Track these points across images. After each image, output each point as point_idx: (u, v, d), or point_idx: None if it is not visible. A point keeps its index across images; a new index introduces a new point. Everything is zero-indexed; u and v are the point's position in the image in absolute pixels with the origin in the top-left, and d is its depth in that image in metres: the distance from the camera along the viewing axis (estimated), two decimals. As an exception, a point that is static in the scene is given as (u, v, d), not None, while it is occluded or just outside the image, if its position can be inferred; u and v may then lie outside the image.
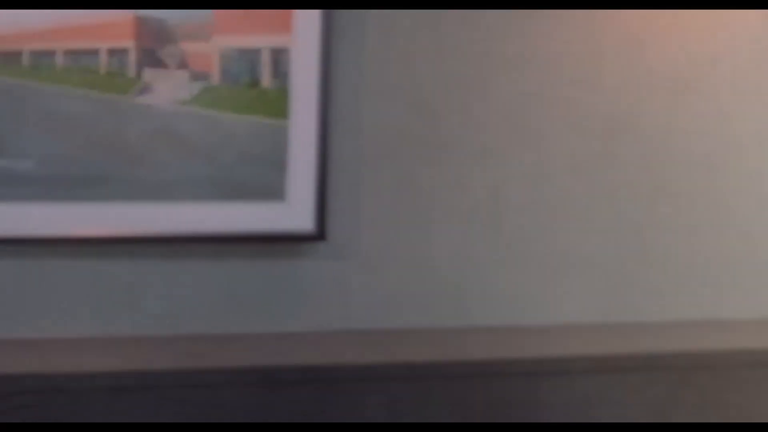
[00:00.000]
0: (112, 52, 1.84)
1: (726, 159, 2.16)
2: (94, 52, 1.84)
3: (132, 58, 1.85)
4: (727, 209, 2.18)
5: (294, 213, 1.94)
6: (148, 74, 1.86)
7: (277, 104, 1.92)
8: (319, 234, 1.95)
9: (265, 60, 1.90)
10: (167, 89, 1.87)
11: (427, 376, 1.89)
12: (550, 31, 2.04)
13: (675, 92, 2.12)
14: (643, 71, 2.10)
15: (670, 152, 2.14)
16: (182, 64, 1.87)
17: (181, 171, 1.89)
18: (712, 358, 2.01)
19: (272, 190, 1.93)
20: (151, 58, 1.86)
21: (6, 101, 1.81)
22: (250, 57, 1.89)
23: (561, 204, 2.10)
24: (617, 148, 2.11)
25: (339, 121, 1.97)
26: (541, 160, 2.08)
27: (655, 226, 2.15)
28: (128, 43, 1.84)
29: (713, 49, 2.12)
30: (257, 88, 1.91)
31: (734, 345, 2.05)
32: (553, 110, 2.08)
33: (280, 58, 1.91)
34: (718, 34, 2.12)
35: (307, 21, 1.90)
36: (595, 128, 2.10)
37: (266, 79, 1.91)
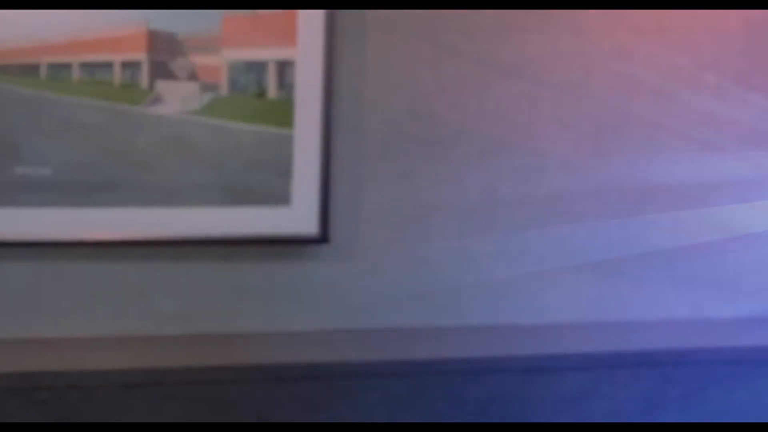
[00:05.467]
0: (125, 65, 1.87)
1: (708, 159, 2.20)
2: (108, 65, 1.87)
3: (144, 70, 1.88)
4: (708, 207, 2.21)
5: (298, 217, 1.97)
6: (160, 86, 1.89)
7: (282, 114, 1.94)
8: (323, 237, 1.98)
9: (271, 72, 1.93)
10: (178, 100, 1.90)
11: (425, 372, 1.91)
12: (544, 39, 2.08)
13: (661, 97, 2.15)
14: (631, 78, 2.13)
15: (656, 152, 2.17)
16: (192, 76, 1.90)
17: (190, 177, 1.92)
18: (696, 355, 2.03)
19: (278, 195, 1.96)
20: (162, 71, 1.89)
21: (24, 111, 1.84)
22: (257, 69, 1.92)
23: (553, 202, 2.13)
24: (606, 149, 2.15)
25: (341, 130, 2.00)
26: (534, 160, 2.11)
27: (640, 223, 2.18)
28: (141, 56, 1.87)
29: (699, 59, 2.16)
30: (264, 99, 1.93)
31: (715, 343, 2.07)
32: (546, 112, 2.11)
33: (285, 70, 1.93)
34: (704, 47, 2.16)
35: (311, 34, 1.93)
36: (585, 129, 2.13)
37: (272, 90, 1.94)
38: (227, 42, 1.91)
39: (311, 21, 1.94)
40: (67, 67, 1.85)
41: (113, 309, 1.96)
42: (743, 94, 2.20)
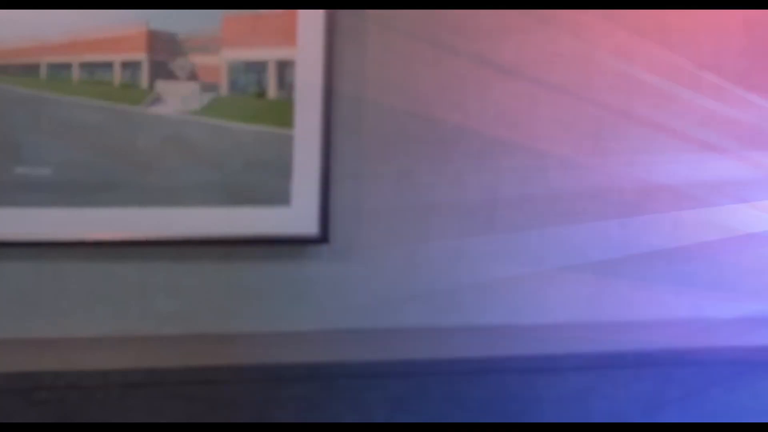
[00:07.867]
0: (125, 65, 1.87)
1: (708, 159, 2.20)
2: (108, 65, 1.87)
3: (144, 70, 1.88)
4: (708, 207, 2.22)
5: (299, 217, 1.97)
6: (160, 86, 1.89)
7: (282, 114, 1.95)
8: (323, 237, 1.98)
9: (271, 72, 1.93)
10: (178, 100, 1.90)
11: (425, 373, 1.91)
12: (544, 39, 2.08)
13: (661, 97, 2.16)
14: (630, 78, 2.13)
15: (656, 152, 2.18)
16: (192, 76, 1.90)
17: (190, 177, 1.92)
18: (696, 355, 2.03)
19: (278, 195, 1.96)
20: (162, 71, 1.89)
21: (24, 111, 1.84)
22: (257, 69, 1.93)
23: (553, 202, 2.13)
24: (606, 149, 2.15)
25: (341, 130, 2.00)
26: (534, 160, 2.11)
27: (640, 223, 2.18)
28: (141, 56, 1.88)
29: (699, 60, 2.17)
30: (264, 99, 1.94)
31: (715, 343, 2.07)
32: (546, 112, 2.11)
33: (285, 69, 1.94)
34: (704, 47, 2.17)
35: (311, 34, 1.94)
36: (585, 129, 2.13)
37: (272, 90, 1.94)
38: (227, 42, 1.91)
39: (311, 21, 1.94)
40: (67, 67, 1.85)
41: (113, 309, 1.96)
42: (743, 94, 2.20)
